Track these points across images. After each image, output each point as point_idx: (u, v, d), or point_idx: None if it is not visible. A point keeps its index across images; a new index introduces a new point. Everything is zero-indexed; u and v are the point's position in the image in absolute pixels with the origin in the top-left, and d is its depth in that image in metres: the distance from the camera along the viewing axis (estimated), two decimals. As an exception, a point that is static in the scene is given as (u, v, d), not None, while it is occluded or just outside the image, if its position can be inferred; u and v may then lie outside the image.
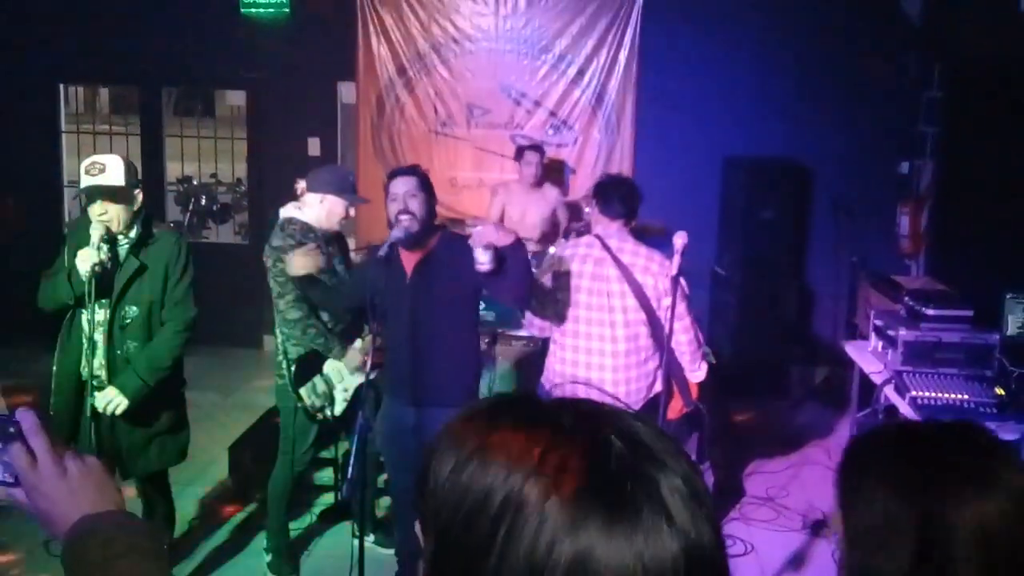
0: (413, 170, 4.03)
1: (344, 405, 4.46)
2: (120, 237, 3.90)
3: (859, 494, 1.47)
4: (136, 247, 3.92)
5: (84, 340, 3.87)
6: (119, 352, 3.92)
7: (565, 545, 0.80)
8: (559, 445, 0.85)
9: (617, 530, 0.80)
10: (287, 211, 4.52)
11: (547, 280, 4.40)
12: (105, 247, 3.78)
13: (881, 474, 1.45)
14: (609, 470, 0.83)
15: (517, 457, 0.85)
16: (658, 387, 4.30)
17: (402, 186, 3.92)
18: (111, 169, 3.80)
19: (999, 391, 4.74)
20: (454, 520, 0.86)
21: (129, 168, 3.88)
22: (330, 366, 4.40)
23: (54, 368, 4.02)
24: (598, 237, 4.35)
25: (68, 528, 1.19)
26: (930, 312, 5.19)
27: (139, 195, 3.93)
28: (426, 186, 3.99)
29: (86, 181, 3.80)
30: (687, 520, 0.83)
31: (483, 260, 3.73)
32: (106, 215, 3.81)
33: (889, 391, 5.13)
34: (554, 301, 4.34)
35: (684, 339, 4.26)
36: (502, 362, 5.74)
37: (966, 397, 4.72)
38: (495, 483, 0.84)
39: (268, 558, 4.73)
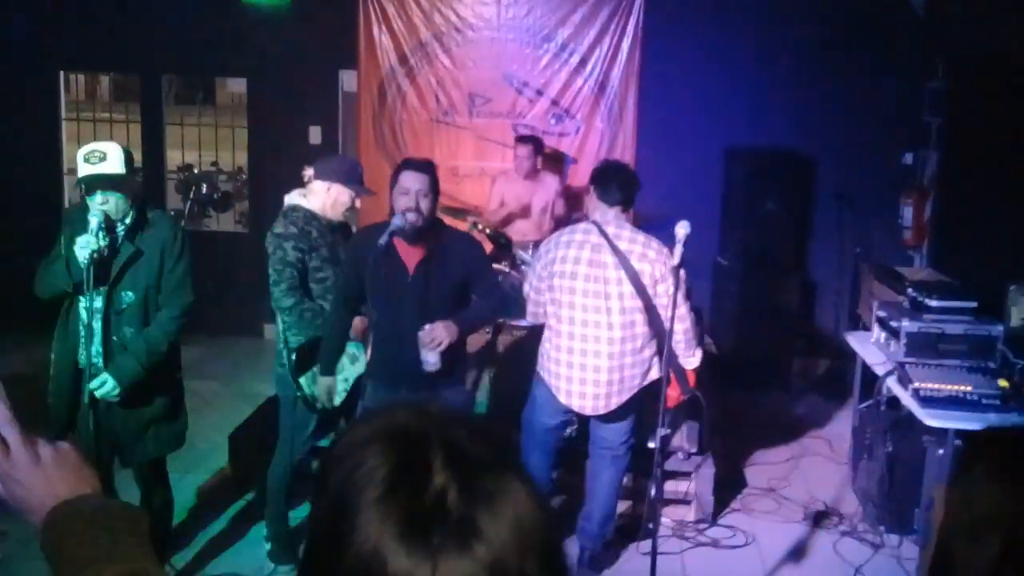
0: (427, 167, 3.96)
1: (344, 395, 4.44)
2: (117, 224, 3.88)
3: (968, 487, 1.47)
4: (131, 233, 3.90)
5: (81, 327, 3.85)
6: (115, 338, 3.91)
7: (367, 540, 0.86)
8: (400, 465, 0.90)
9: (411, 545, 0.85)
10: (292, 198, 4.50)
11: (542, 267, 4.39)
12: (103, 234, 3.76)
13: (991, 470, 1.45)
14: (421, 502, 0.87)
15: (369, 470, 0.91)
16: (654, 374, 4.29)
17: (416, 182, 3.86)
18: (111, 157, 3.78)
19: (1002, 383, 4.73)
20: (320, 496, 0.95)
21: (128, 155, 3.87)
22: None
23: (52, 356, 4.00)
24: (596, 223, 4.33)
25: (45, 514, 1.18)
26: (933, 303, 5.17)
27: (138, 182, 3.92)
28: (436, 185, 3.96)
29: (86, 170, 3.78)
30: (503, 555, 0.86)
31: (432, 361, 3.85)
32: (107, 204, 3.80)
33: (892, 382, 5.12)
34: (549, 288, 4.33)
35: (680, 328, 4.24)
36: (501, 350, 5.72)
37: (969, 389, 4.70)
38: (349, 486, 0.91)
39: (268, 547, 4.72)
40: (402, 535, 0.85)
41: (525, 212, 6.96)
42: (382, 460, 0.90)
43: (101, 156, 3.77)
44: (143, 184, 4.05)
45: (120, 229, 3.89)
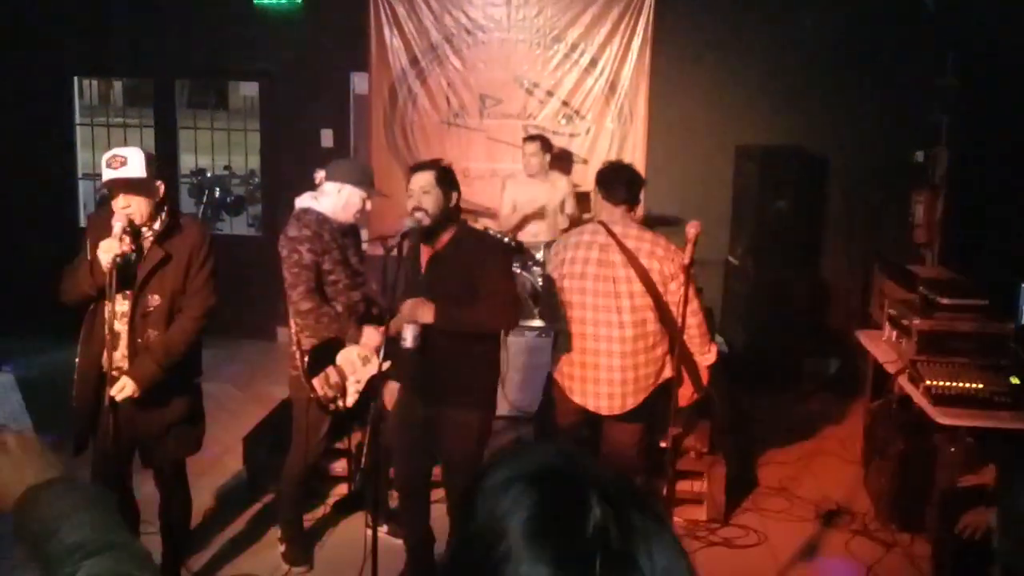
0: (431, 165, 4.04)
1: (357, 396, 4.47)
2: (144, 228, 3.91)
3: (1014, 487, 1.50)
4: (162, 237, 3.93)
5: (107, 331, 3.88)
6: (140, 341, 3.93)
7: (522, 571, 0.84)
8: (549, 499, 0.89)
9: None
10: (303, 201, 4.53)
11: (552, 269, 4.41)
12: (127, 238, 3.80)
13: None
14: (582, 532, 0.85)
15: (515, 501, 0.89)
16: (667, 373, 4.30)
17: (417, 182, 3.96)
18: (132, 162, 3.82)
19: (1014, 380, 4.72)
20: (468, 524, 0.92)
21: (150, 160, 3.90)
22: (342, 357, 4.41)
23: (77, 360, 4.03)
24: (602, 223, 4.35)
25: (15, 500, 1.21)
26: (944, 301, 5.17)
27: (161, 187, 3.95)
28: (443, 180, 3.99)
29: (107, 174, 3.82)
30: None
31: (406, 336, 3.85)
32: (129, 208, 3.83)
33: (903, 381, 5.12)
34: (560, 289, 4.35)
35: (693, 322, 4.25)
36: (514, 354, 5.74)
37: (981, 386, 4.70)
38: (499, 514, 0.89)
39: (282, 548, 4.75)
40: (563, 567, 0.83)
41: (537, 214, 6.97)
42: (536, 495, 0.88)
43: (122, 161, 3.81)
44: (168, 188, 4.06)
45: (149, 234, 3.92)
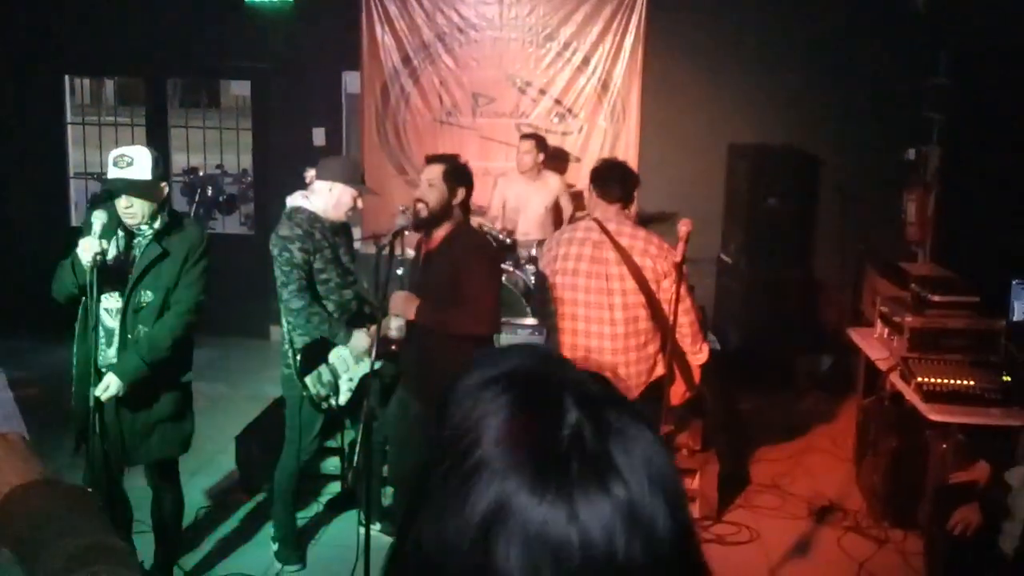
0: (443, 158, 4.11)
1: (349, 395, 4.47)
2: (144, 227, 3.90)
3: None
4: (161, 234, 3.92)
5: (102, 329, 3.87)
6: (130, 337, 3.92)
7: (493, 488, 0.81)
8: (522, 402, 0.86)
9: (544, 490, 0.80)
10: (294, 200, 4.53)
11: (545, 265, 4.42)
12: (118, 238, 3.79)
13: None
14: (558, 436, 0.83)
15: (487, 405, 0.87)
16: (659, 371, 4.31)
17: (426, 173, 4.05)
18: (139, 163, 3.82)
19: (1005, 377, 4.74)
20: (440, 431, 0.89)
21: (156, 162, 3.90)
22: (335, 355, 4.41)
23: (73, 358, 4.03)
24: (596, 220, 4.36)
25: None
26: (936, 298, 5.19)
27: (164, 188, 3.95)
28: (451, 175, 4.03)
29: (113, 173, 3.82)
30: (638, 498, 0.82)
31: (391, 327, 3.93)
32: (132, 208, 3.82)
33: (895, 378, 5.13)
34: (552, 286, 4.36)
35: (685, 321, 4.27)
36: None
37: (972, 383, 4.72)
38: (470, 420, 0.86)
39: (275, 547, 4.75)
40: (537, 470, 0.81)
41: (527, 212, 6.97)
42: (509, 396, 0.86)
43: (129, 161, 3.80)
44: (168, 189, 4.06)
45: (149, 232, 3.91)
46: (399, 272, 4.82)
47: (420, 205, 3.97)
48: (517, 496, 0.80)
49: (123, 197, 3.81)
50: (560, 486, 0.80)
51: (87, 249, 3.68)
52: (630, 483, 0.82)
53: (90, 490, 1.36)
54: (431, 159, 4.12)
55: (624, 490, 0.81)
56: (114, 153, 3.87)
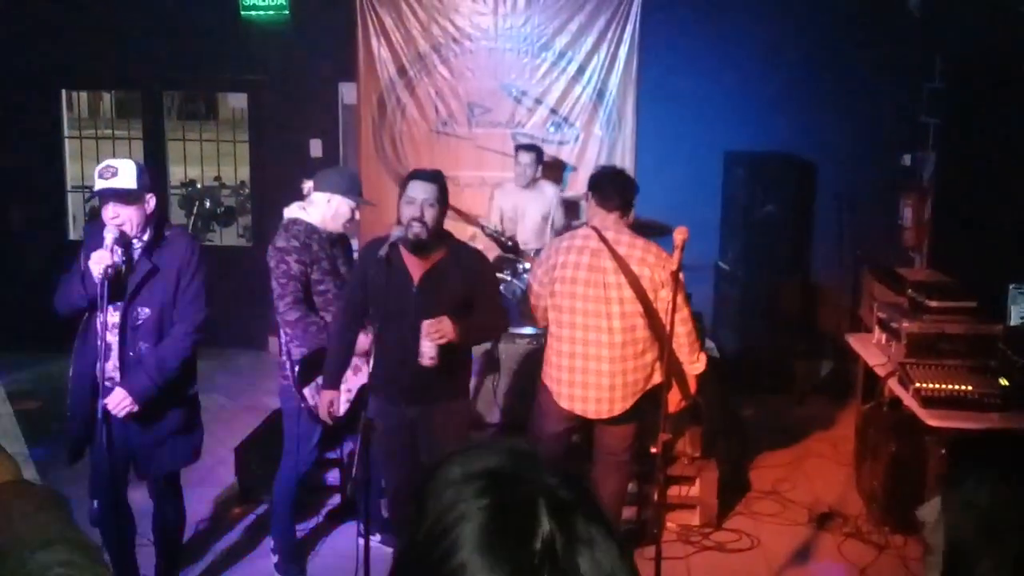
0: (435, 177, 3.99)
1: (347, 405, 4.47)
2: (134, 240, 3.92)
3: (971, 493, 1.53)
4: (149, 249, 3.93)
5: (98, 343, 3.88)
6: (131, 354, 3.93)
7: None
8: (499, 509, 0.91)
9: None
10: (292, 211, 4.53)
11: (543, 273, 4.42)
12: (119, 250, 3.80)
13: (990, 476, 1.51)
14: (530, 547, 0.88)
15: (466, 507, 0.92)
16: (656, 379, 4.31)
17: (422, 192, 3.91)
18: (123, 172, 3.84)
19: (1003, 382, 4.74)
20: (420, 525, 0.94)
21: (141, 171, 3.91)
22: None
23: (70, 371, 4.04)
24: (595, 229, 4.36)
25: None
26: (933, 304, 5.19)
27: (151, 199, 3.95)
28: (444, 196, 3.99)
29: (99, 184, 3.85)
30: None
31: (431, 354, 3.87)
32: (118, 218, 3.84)
33: (893, 383, 5.13)
34: (551, 294, 4.36)
35: (683, 331, 4.26)
36: (506, 360, 5.75)
37: (970, 388, 4.72)
38: (449, 520, 0.91)
39: (275, 559, 4.74)
40: None
41: (524, 222, 6.98)
42: (487, 500, 0.91)
43: (114, 171, 3.83)
44: (158, 200, 4.06)
45: (138, 246, 3.93)
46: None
47: (418, 226, 3.89)
48: None
49: (109, 206, 3.83)
50: None
51: (99, 261, 3.71)
52: None
53: (55, 490, 1.36)
54: (420, 176, 3.99)
55: None
56: (100, 165, 3.90)
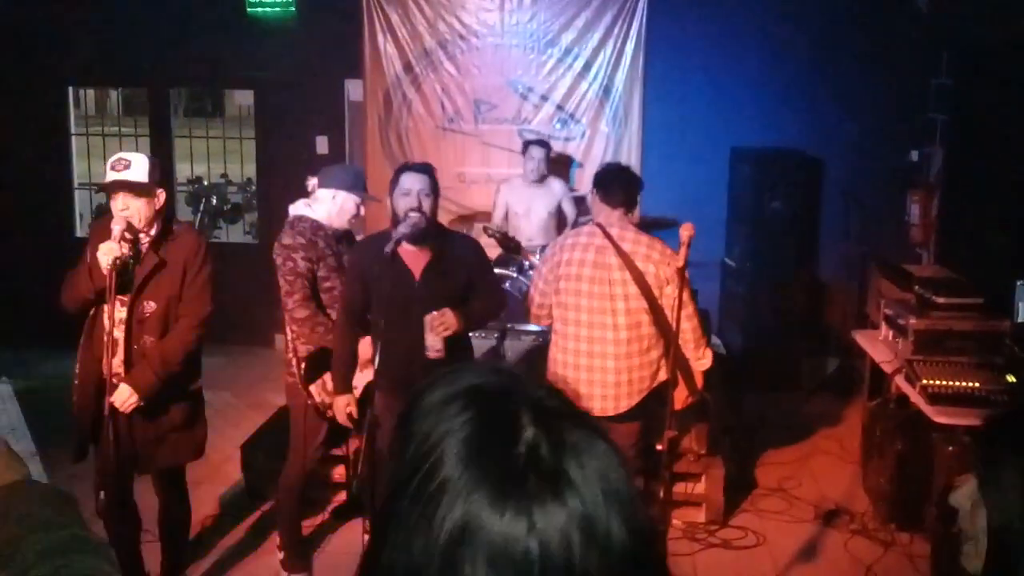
0: (426, 168, 4.04)
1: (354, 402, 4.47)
2: (141, 235, 3.93)
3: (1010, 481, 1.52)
4: (156, 243, 3.94)
5: (104, 337, 3.89)
6: (136, 347, 3.94)
7: (457, 507, 0.85)
8: (482, 420, 0.90)
9: (505, 506, 0.84)
10: (297, 208, 4.54)
11: (548, 271, 4.42)
12: (126, 243, 3.81)
13: None
14: (514, 453, 0.86)
15: (449, 423, 0.90)
16: (663, 376, 4.30)
17: (416, 182, 3.94)
18: (135, 166, 3.88)
19: (1010, 378, 4.73)
20: (405, 452, 0.92)
21: (153, 166, 3.94)
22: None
23: (76, 367, 4.04)
24: (599, 226, 4.36)
25: None
26: (940, 300, 5.18)
27: (161, 194, 3.97)
28: (436, 187, 4.02)
29: (110, 176, 3.89)
30: (592, 509, 0.85)
31: (437, 347, 3.88)
32: (127, 211, 3.85)
33: (900, 380, 5.12)
34: (555, 291, 4.36)
35: (688, 327, 4.26)
36: (511, 357, 5.75)
37: (977, 385, 4.71)
38: (432, 440, 0.90)
39: (281, 555, 4.75)
40: (497, 487, 0.84)
41: (530, 218, 6.98)
42: (469, 414, 0.90)
43: (126, 164, 3.87)
44: (167, 196, 4.08)
45: (144, 240, 3.94)
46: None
47: (416, 215, 3.91)
48: (480, 513, 0.83)
49: (119, 198, 3.84)
50: (519, 500, 0.84)
51: (107, 253, 3.72)
52: (585, 495, 0.85)
53: (62, 488, 1.37)
54: (412, 168, 4.03)
55: (579, 502, 0.85)
56: (111, 158, 3.93)
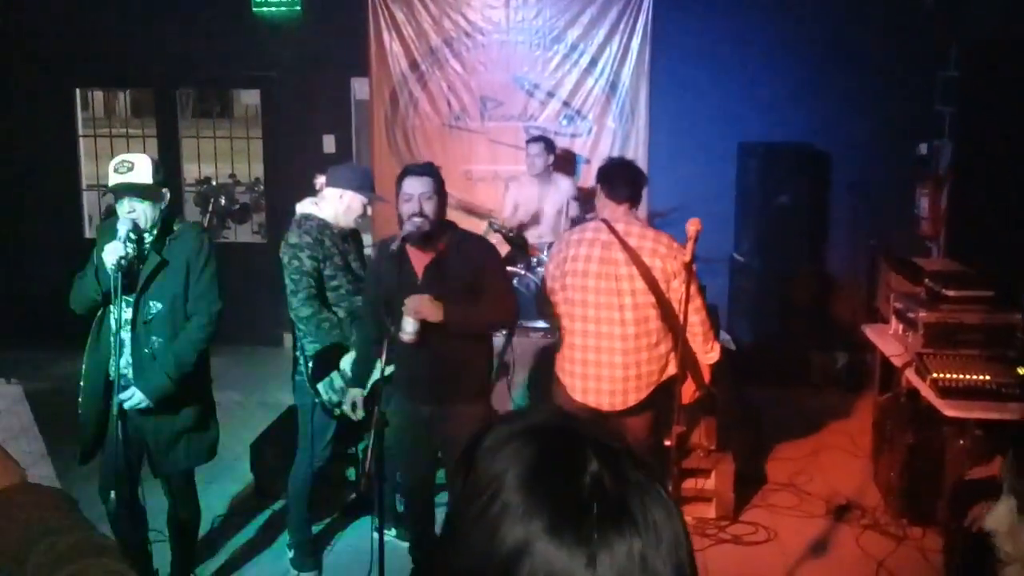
0: (428, 169, 4.03)
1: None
2: (145, 234, 3.93)
3: None
4: (158, 243, 3.94)
5: (111, 338, 3.89)
6: (145, 350, 3.93)
7: (517, 530, 0.84)
8: (546, 452, 0.90)
9: (564, 534, 0.83)
10: (304, 207, 4.54)
11: (555, 267, 4.41)
12: (132, 244, 3.81)
13: None
14: (580, 483, 0.87)
15: (513, 455, 0.91)
16: (671, 371, 4.28)
17: (418, 186, 3.93)
18: (139, 167, 3.88)
19: (1021, 371, 4.71)
20: (467, 478, 0.93)
21: (156, 167, 3.94)
22: (347, 361, 4.41)
23: (83, 368, 4.05)
24: (605, 221, 4.34)
25: None
26: (950, 293, 5.15)
27: (166, 193, 3.97)
28: (440, 187, 4.01)
29: (114, 179, 3.89)
30: (651, 551, 0.85)
31: (408, 330, 3.85)
32: (134, 212, 3.86)
33: (910, 374, 5.10)
34: (562, 287, 4.35)
35: (696, 320, 4.24)
36: (520, 354, 5.73)
37: (988, 378, 4.68)
38: (497, 468, 0.90)
39: (291, 554, 4.76)
40: (559, 514, 0.84)
41: (539, 216, 6.97)
42: (535, 446, 0.90)
43: (129, 166, 3.87)
44: (170, 195, 4.08)
45: (148, 239, 3.94)
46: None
47: (419, 220, 3.92)
48: (539, 540, 0.83)
49: (125, 201, 3.85)
50: (580, 531, 0.83)
51: (112, 252, 3.72)
52: (645, 535, 0.85)
53: (63, 490, 1.36)
54: (413, 171, 4.02)
55: (640, 541, 0.85)
56: (115, 160, 3.93)
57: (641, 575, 0.83)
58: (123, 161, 3.89)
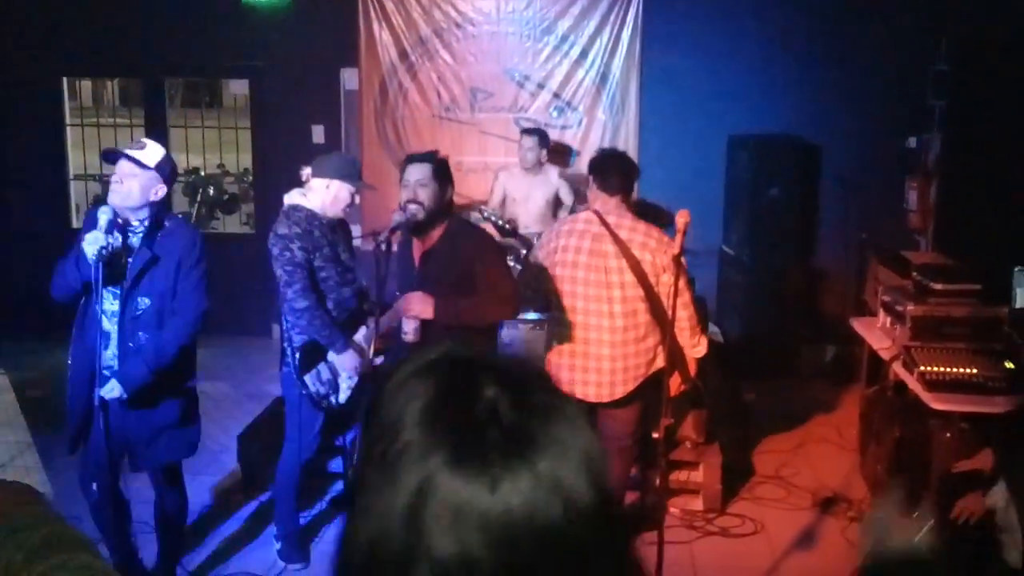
0: (429, 157, 4.03)
1: (349, 392, 4.47)
2: (135, 224, 3.89)
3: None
4: (148, 237, 3.91)
5: (98, 331, 3.86)
6: (131, 344, 3.90)
7: (417, 469, 0.83)
8: (449, 384, 0.89)
9: (464, 464, 0.82)
10: (292, 198, 4.51)
11: (544, 256, 4.40)
12: (115, 232, 3.77)
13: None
14: (473, 412, 0.85)
15: (410, 393, 0.89)
16: (659, 364, 4.29)
17: (415, 173, 3.94)
18: (149, 150, 3.90)
19: (1008, 365, 4.72)
20: (369, 429, 0.92)
21: (167, 159, 3.96)
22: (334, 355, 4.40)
23: (69, 360, 4.02)
24: (596, 213, 4.34)
25: None
26: (938, 287, 5.16)
27: (162, 188, 3.93)
28: (440, 174, 4.00)
29: (124, 148, 3.93)
30: (559, 470, 0.84)
31: (407, 330, 3.86)
32: (122, 185, 3.82)
33: (897, 367, 5.11)
34: (551, 277, 4.34)
35: (684, 315, 4.25)
36: (509, 345, 5.73)
37: (975, 371, 4.69)
38: (396, 409, 0.89)
39: (278, 546, 4.75)
40: (455, 447, 0.82)
41: (528, 206, 6.96)
42: (430, 380, 0.89)
43: (142, 145, 3.92)
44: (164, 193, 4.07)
45: (139, 231, 3.90)
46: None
47: (414, 207, 3.91)
48: (439, 474, 0.82)
49: (121, 162, 3.83)
50: (479, 460, 0.82)
51: (93, 242, 3.67)
52: (551, 456, 0.83)
53: (28, 485, 1.35)
54: (414, 159, 4.03)
55: (546, 464, 0.83)
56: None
57: (553, 494, 0.82)
58: (140, 140, 3.97)
